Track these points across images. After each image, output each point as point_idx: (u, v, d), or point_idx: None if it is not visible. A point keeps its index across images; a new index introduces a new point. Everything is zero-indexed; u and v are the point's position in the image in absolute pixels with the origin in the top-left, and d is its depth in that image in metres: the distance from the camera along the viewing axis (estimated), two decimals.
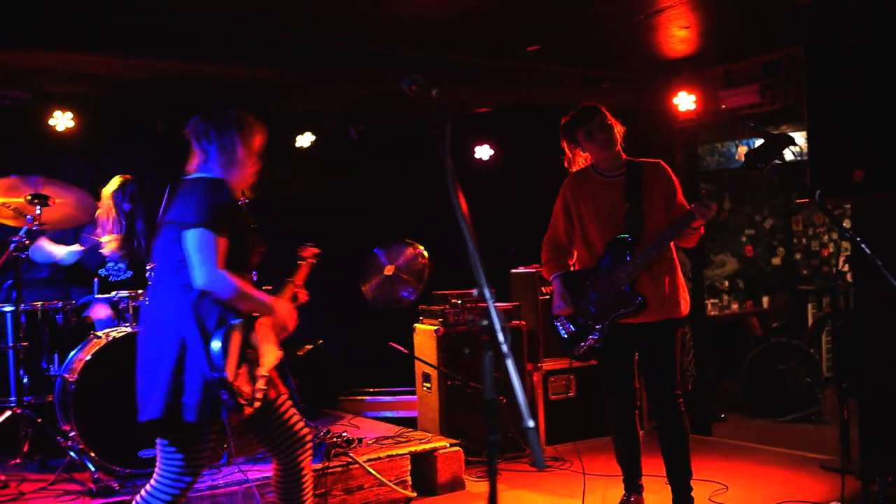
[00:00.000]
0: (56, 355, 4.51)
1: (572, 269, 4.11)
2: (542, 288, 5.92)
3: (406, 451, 4.69)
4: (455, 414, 5.36)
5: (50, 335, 4.57)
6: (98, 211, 5.07)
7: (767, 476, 4.97)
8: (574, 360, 4.11)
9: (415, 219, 6.61)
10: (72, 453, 4.11)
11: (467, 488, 4.85)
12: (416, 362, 5.65)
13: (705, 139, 7.47)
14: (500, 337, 1.82)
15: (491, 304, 1.85)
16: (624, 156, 4.02)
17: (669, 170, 4.02)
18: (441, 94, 2.11)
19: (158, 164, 5.60)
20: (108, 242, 4.99)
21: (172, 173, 5.53)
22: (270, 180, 5.24)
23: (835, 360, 7.32)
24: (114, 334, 4.22)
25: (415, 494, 4.65)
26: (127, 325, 4.37)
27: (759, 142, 3.59)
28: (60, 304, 4.67)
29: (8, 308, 4.48)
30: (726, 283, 8.77)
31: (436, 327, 5.47)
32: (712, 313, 8.11)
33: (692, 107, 6.05)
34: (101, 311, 4.84)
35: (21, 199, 4.44)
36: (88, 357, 4.10)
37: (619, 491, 4.19)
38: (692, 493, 3.95)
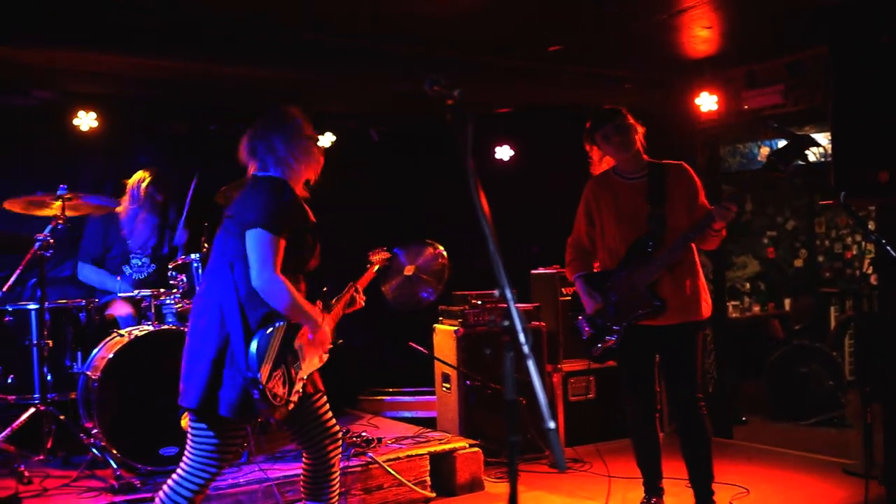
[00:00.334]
0: (79, 353, 4.55)
1: (595, 270, 4.12)
2: (563, 289, 5.91)
3: (425, 451, 4.69)
4: (474, 414, 5.35)
5: (73, 333, 4.61)
6: (120, 208, 5.12)
7: (789, 480, 4.93)
8: (592, 360, 4.11)
9: (435, 219, 6.61)
10: (94, 450, 4.16)
11: (486, 489, 4.85)
12: (436, 363, 5.66)
13: (727, 140, 7.41)
14: (522, 338, 1.82)
15: (512, 305, 1.84)
16: (646, 157, 4.02)
17: (692, 171, 4.01)
18: (462, 95, 2.11)
19: (180, 164, 5.65)
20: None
21: (194, 172, 5.62)
22: None
23: (858, 363, 7.24)
24: (136, 333, 4.25)
25: (434, 495, 4.65)
26: (149, 323, 4.41)
27: (782, 143, 3.57)
28: (84, 302, 4.72)
29: (32, 306, 4.53)
30: (748, 285, 8.71)
31: (455, 328, 5.47)
32: (733, 315, 8.05)
33: (714, 107, 6.01)
34: (121, 309, 4.88)
35: (48, 209, 4.49)
36: (111, 355, 4.14)
37: (639, 493, 4.18)
38: (714, 497, 3.93)
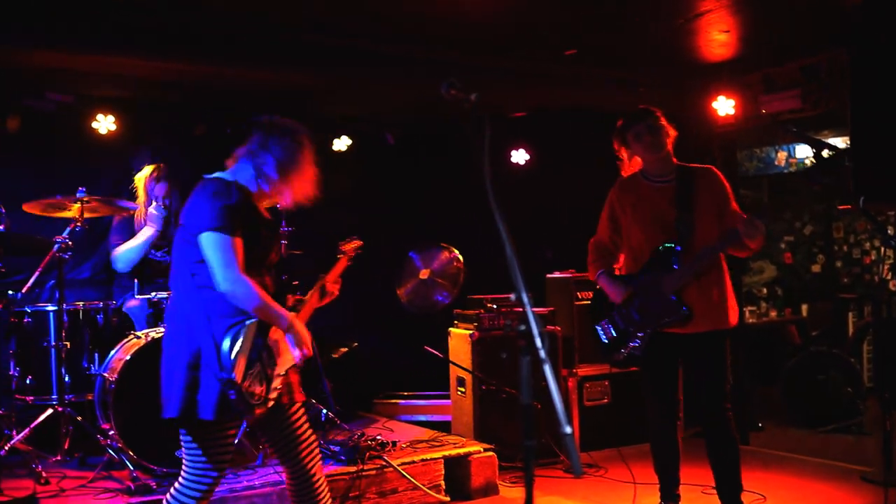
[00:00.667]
0: (96, 354, 4.58)
1: (617, 273, 4.05)
2: (578, 293, 5.89)
3: (440, 455, 4.68)
4: (489, 418, 5.34)
5: (91, 335, 4.64)
6: (137, 210, 5.15)
7: (807, 487, 4.89)
8: (613, 366, 4.06)
9: (450, 223, 6.61)
10: (111, 451, 4.18)
11: (501, 493, 4.84)
12: (451, 366, 5.65)
13: (744, 144, 7.38)
14: (538, 342, 1.82)
15: (529, 309, 1.84)
16: (675, 161, 3.94)
17: (721, 176, 3.93)
18: (479, 99, 2.11)
19: (198, 167, 5.67)
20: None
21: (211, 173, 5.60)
22: None
23: (876, 369, 7.19)
24: (152, 334, 4.27)
25: (448, 499, 4.64)
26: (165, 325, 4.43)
27: (799, 147, 3.54)
28: (101, 304, 4.75)
29: (51, 307, 4.56)
30: (764, 290, 8.65)
31: (471, 331, 5.47)
32: (750, 321, 8.00)
33: (731, 111, 5.98)
34: (132, 301, 4.89)
35: (66, 212, 4.51)
36: (128, 357, 4.16)
37: (654, 499, 4.15)
38: None
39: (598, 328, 4.05)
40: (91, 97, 5.69)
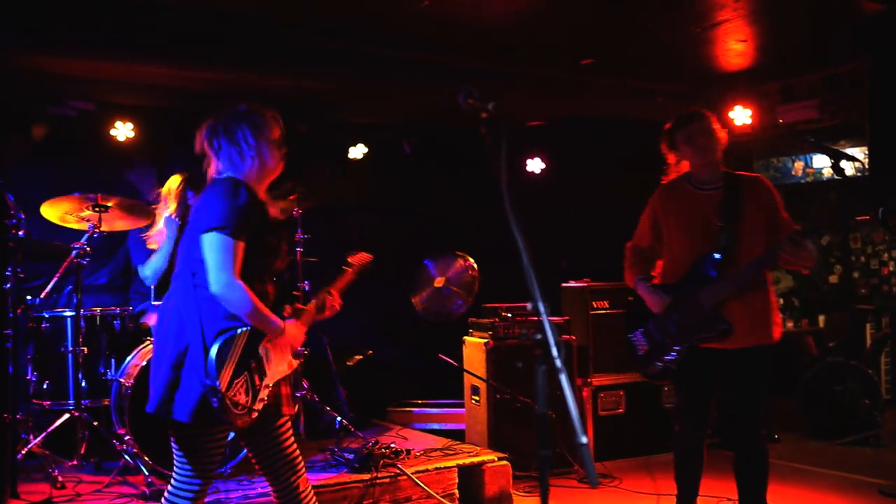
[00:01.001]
0: (113, 360, 4.60)
1: (654, 281, 3.90)
2: (593, 302, 5.88)
3: (454, 463, 4.67)
4: (503, 427, 5.33)
5: (107, 340, 4.67)
6: (158, 220, 5.17)
7: (824, 500, 4.84)
8: (647, 378, 3.90)
9: (465, 231, 6.62)
10: (126, 456, 4.20)
11: (515, 503, 4.82)
12: (465, 375, 5.65)
13: (761, 154, 7.35)
14: (554, 351, 1.81)
15: (545, 318, 1.84)
16: (722, 168, 3.78)
17: (771, 185, 3.77)
18: (497, 108, 2.11)
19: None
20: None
21: None
22: (323, 190, 5.33)
23: (894, 381, 7.12)
24: None
25: None
26: None
27: (816, 157, 3.52)
28: (118, 310, 4.78)
29: (68, 313, 4.59)
30: (781, 301, 8.60)
31: (485, 340, 5.46)
32: None
33: (748, 121, 5.96)
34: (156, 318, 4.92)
35: (85, 212, 4.54)
36: (144, 363, 4.18)
37: None
38: None
39: (633, 338, 3.89)
40: (111, 104, 5.75)
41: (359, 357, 6.12)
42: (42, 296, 4.67)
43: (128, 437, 4.14)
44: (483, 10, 4.48)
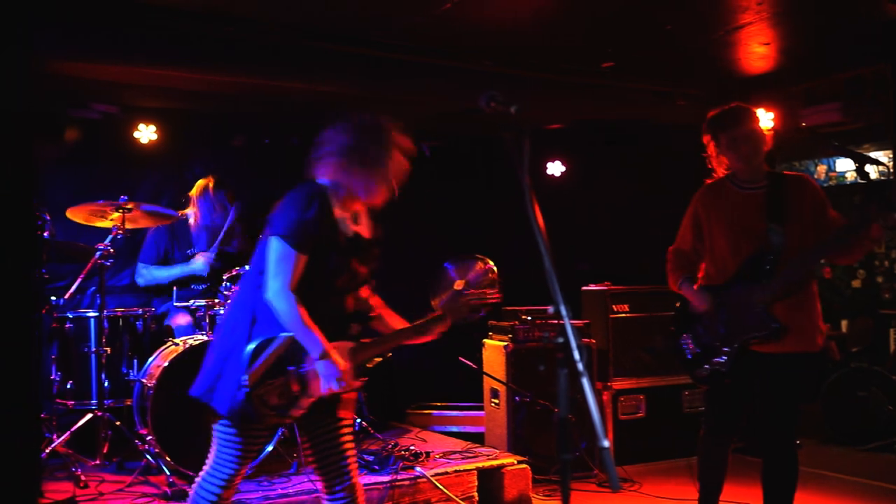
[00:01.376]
0: (135, 361, 4.64)
1: (698, 283, 3.82)
2: (613, 306, 5.87)
3: (473, 466, 4.67)
4: (522, 431, 5.32)
5: (130, 341, 4.71)
6: (188, 210, 5.23)
7: None
8: (697, 382, 3.80)
9: (485, 234, 6.61)
10: (148, 456, 4.23)
11: None
12: (485, 378, 5.64)
13: (783, 157, 7.30)
14: (576, 355, 1.81)
15: (567, 322, 1.84)
16: (766, 167, 3.72)
17: (815, 183, 3.70)
18: (519, 111, 2.12)
19: (236, 176, 5.75)
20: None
21: (249, 184, 5.70)
22: None
23: None
24: (191, 342, 4.33)
25: None
26: (203, 333, 4.48)
27: (840, 160, 3.49)
28: (140, 310, 4.82)
29: (92, 314, 4.64)
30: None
31: (505, 343, 5.46)
32: None
33: (770, 124, 5.91)
34: (180, 319, 4.97)
35: (109, 214, 4.59)
36: (166, 363, 4.21)
37: None
38: None
39: (681, 342, 3.81)
40: (134, 107, 5.80)
41: (378, 359, 6.12)
42: (66, 296, 4.72)
43: (150, 437, 4.17)
44: (504, 13, 4.48)
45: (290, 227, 2.77)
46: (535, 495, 4.89)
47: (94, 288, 5.37)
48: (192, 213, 5.28)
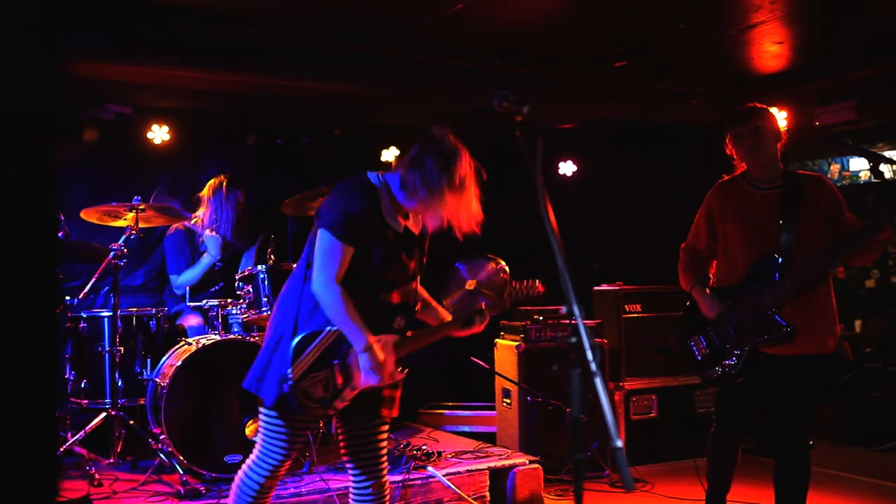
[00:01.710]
0: (149, 360, 4.66)
1: (710, 283, 3.83)
2: (625, 306, 5.85)
3: (485, 466, 4.67)
4: (534, 430, 5.32)
5: (143, 341, 4.73)
6: (197, 220, 5.25)
7: None
8: (707, 384, 3.82)
9: (496, 233, 6.60)
10: (161, 456, 4.25)
11: None
12: (497, 378, 5.64)
13: (796, 156, 7.27)
14: (589, 355, 1.81)
15: (580, 322, 1.84)
16: (781, 166, 3.71)
17: (832, 184, 3.67)
18: (531, 111, 2.12)
19: (249, 176, 5.77)
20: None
21: (261, 184, 5.71)
22: None
23: None
24: (203, 342, 4.34)
25: None
26: (216, 333, 4.50)
27: (853, 160, 3.48)
28: (154, 310, 4.85)
29: (106, 313, 4.66)
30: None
31: (517, 343, 5.46)
32: None
33: (783, 123, 5.89)
34: (192, 319, 4.99)
35: (122, 220, 4.62)
36: (179, 363, 4.23)
37: None
38: None
39: (691, 343, 3.80)
40: (147, 108, 5.83)
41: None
42: (80, 296, 4.75)
43: (163, 437, 4.19)
44: (516, 13, 4.48)
45: (336, 219, 2.79)
46: (547, 495, 4.89)
47: (107, 288, 5.40)
48: (202, 213, 5.30)
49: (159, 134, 5.80)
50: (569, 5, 4.46)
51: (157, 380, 4.34)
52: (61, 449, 4.26)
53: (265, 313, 4.32)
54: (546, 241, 1.94)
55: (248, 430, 4.23)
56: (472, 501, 4.52)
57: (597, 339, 5.52)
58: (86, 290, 4.73)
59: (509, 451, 5.06)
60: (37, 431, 0.90)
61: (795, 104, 5.88)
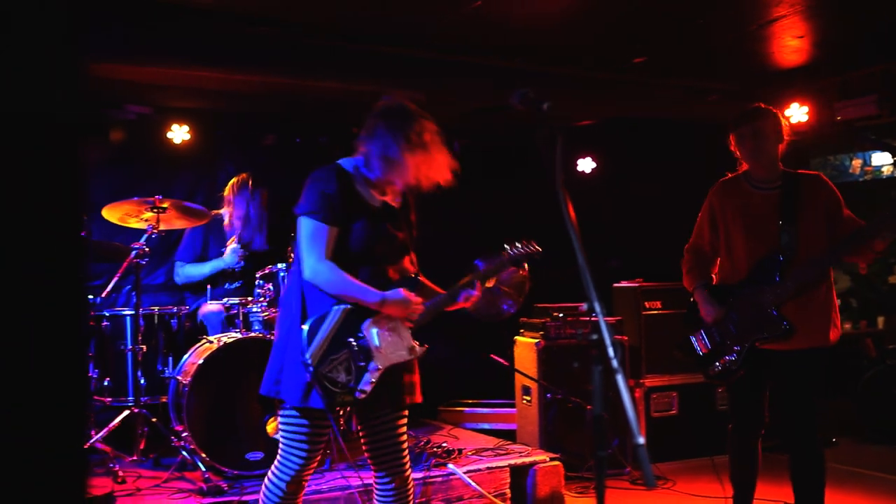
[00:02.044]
0: (170, 358, 4.70)
1: (713, 278, 3.88)
2: (645, 302, 5.83)
3: (506, 463, 4.67)
4: (554, 428, 5.32)
5: (165, 339, 4.77)
6: (222, 210, 5.29)
7: None
8: (708, 379, 3.86)
9: (515, 231, 6.59)
10: (184, 453, 4.28)
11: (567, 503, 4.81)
12: (516, 375, 5.64)
13: (818, 152, 7.21)
14: (611, 352, 1.81)
15: (601, 318, 1.84)
16: (781, 166, 3.75)
17: (831, 184, 3.70)
18: (551, 108, 2.11)
19: (268, 175, 5.79)
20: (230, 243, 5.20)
21: (281, 183, 5.71)
22: None
23: None
24: (224, 339, 4.37)
25: None
26: (237, 330, 4.52)
27: (875, 154, 3.46)
28: (175, 308, 4.88)
29: (128, 312, 4.70)
30: (839, 302, 8.42)
31: (537, 340, 5.45)
32: None
33: (804, 118, 5.85)
34: (211, 305, 5.01)
35: (144, 214, 4.64)
36: (200, 361, 4.25)
37: None
38: None
39: (693, 339, 3.86)
40: (167, 108, 5.87)
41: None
42: (103, 295, 4.79)
43: (185, 434, 4.22)
44: (534, 10, 4.47)
45: (312, 203, 2.83)
46: (568, 492, 4.88)
47: (129, 286, 5.44)
48: (226, 213, 5.33)
49: (179, 133, 5.84)
50: (587, 2, 4.45)
51: (179, 377, 4.37)
52: (85, 446, 4.30)
53: None
54: (566, 237, 1.94)
55: (270, 428, 4.25)
56: (493, 499, 4.53)
57: (617, 336, 5.51)
58: (108, 288, 4.77)
59: (529, 448, 5.06)
60: (67, 429, 0.92)
61: (816, 99, 5.84)
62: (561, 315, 5.56)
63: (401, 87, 5.54)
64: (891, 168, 3.44)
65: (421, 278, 3.16)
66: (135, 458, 4.48)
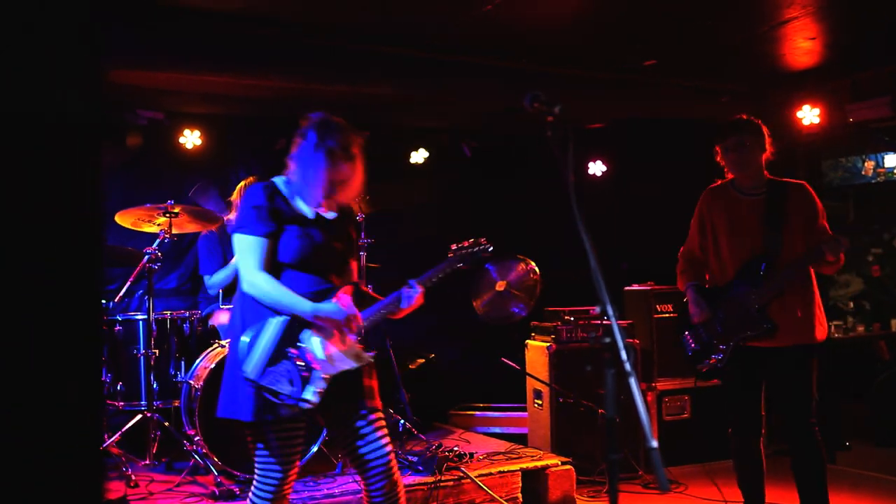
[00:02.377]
0: (183, 362, 4.71)
1: (706, 281, 4.05)
2: (657, 306, 5.81)
3: (517, 467, 4.66)
4: (566, 431, 5.30)
5: (177, 343, 4.78)
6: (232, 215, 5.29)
7: None
8: (698, 377, 4.04)
9: (526, 234, 6.59)
10: (196, 457, 4.29)
11: None
12: (528, 379, 5.63)
13: (829, 154, 7.18)
14: (624, 355, 1.80)
15: (614, 322, 1.83)
16: (767, 174, 3.89)
17: (813, 192, 3.86)
18: (562, 111, 2.11)
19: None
20: None
21: None
22: (386, 195, 5.37)
23: None
24: None
25: None
26: None
27: (888, 156, 3.47)
28: (187, 313, 4.89)
29: (140, 316, 4.72)
30: (851, 304, 8.37)
31: (548, 344, 5.44)
32: (836, 336, 7.74)
33: (816, 120, 5.83)
34: (222, 317, 5.03)
35: (156, 219, 4.66)
36: (212, 365, 4.27)
37: None
38: None
39: (685, 339, 4.04)
40: (179, 113, 5.90)
41: (421, 360, 6.15)
42: (116, 300, 4.81)
43: (197, 438, 4.23)
44: (544, 13, 4.47)
45: (243, 218, 2.90)
46: (580, 496, 4.87)
47: (141, 291, 5.47)
48: (235, 217, 5.34)
49: (191, 139, 5.87)
50: (597, 4, 4.45)
51: (192, 382, 4.39)
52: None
53: None
54: (575, 239, 1.93)
55: None
56: (505, 503, 4.52)
57: (629, 340, 5.49)
58: (121, 293, 4.79)
59: (541, 452, 5.05)
60: (83, 433, 0.92)
61: (828, 100, 5.81)
62: (572, 318, 5.55)
63: (410, 88, 5.55)
64: None
65: (362, 287, 3.19)
66: (147, 462, 4.50)
